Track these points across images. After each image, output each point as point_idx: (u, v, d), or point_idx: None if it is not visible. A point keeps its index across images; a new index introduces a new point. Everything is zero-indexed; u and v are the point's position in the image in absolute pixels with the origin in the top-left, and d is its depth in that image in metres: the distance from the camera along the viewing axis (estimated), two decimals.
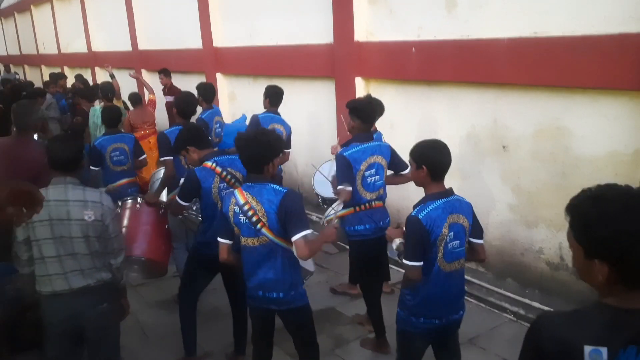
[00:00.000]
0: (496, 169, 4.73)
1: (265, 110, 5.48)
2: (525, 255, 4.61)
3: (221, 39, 8.50)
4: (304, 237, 2.77)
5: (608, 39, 3.73)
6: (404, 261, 2.70)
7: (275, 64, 7.22)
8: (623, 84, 3.72)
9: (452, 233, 2.68)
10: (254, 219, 2.82)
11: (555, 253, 4.36)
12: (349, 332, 4.31)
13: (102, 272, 2.88)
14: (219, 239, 3.01)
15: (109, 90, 7.15)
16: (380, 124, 5.72)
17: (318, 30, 6.34)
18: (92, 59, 14.22)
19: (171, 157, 4.53)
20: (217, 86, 8.60)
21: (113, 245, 2.90)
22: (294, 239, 2.78)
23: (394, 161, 3.94)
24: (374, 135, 4.13)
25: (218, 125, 6.00)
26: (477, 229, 2.86)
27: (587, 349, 1.32)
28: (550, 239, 4.35)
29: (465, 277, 4.85)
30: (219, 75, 8.68)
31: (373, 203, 3.84)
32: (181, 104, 4.86)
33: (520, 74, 4.30)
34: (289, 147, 5.47)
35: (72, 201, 2.76)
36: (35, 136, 4.26)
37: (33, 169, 3.55)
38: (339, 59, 6.01)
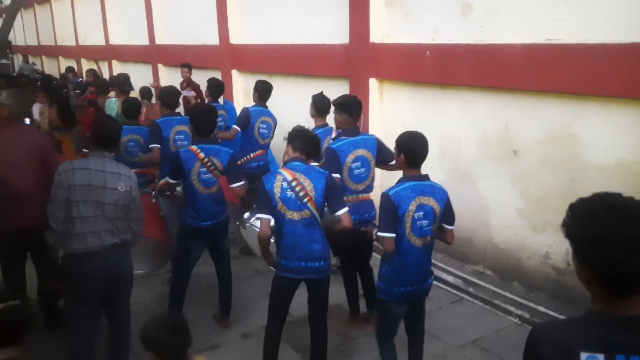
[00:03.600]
0: (506, 173, 4.78)
1: (254, 103, 5.86)
2: (532, 260, 4.65)
3: (237, 36, 8.60)
4: (347, 211, 3.37)
5: (621, 48, 3.77)
6: (379, 233, 3.12)
7: (290, 62, 7.30)
8: (635, 93, 3.75)
9: (421, 212, 3.07)
10: (302, 193, 3.23)
11: (562, 258, 4.40)
12: (363, 338, 4.35)
13: (126, 233, 3.30)
14: (261, 215, 3.30)
15: (125, 83, 7.29)
16: (392, 126, 5.79)
17: (334, 31, 6.41)
18: (110, 52, 14.40)
19: (158, 145, 5.06)
20: (232, 82, 8.73)
21: (136, 214, 3.33)
22: (341, 212, 3.33)
23: (381, 153, 4.14)
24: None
25: (221, 119, 6.30)
26: (449, 216, 3.23)
27: (584, 355, 1.36)
28: (557, 244, 4.39)
29: (469, 278, 4.98)
30: (234, 72, 8.79)
31: (360, 195, 4.06)
32: (164, 96, 5.41)
33: (533, 80, 4.34)
34: (272, 137, 5.92)
35: (109, 172, 3.19)
36: (27, 121, 4.68)
37: (44, 153, 3.89)
38: (354, 59, 6.08)
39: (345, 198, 3.93)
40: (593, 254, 1.36)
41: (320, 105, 4.80)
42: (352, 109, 4.11)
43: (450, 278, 5.07)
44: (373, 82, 5.93)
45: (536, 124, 4.47)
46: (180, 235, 4.16)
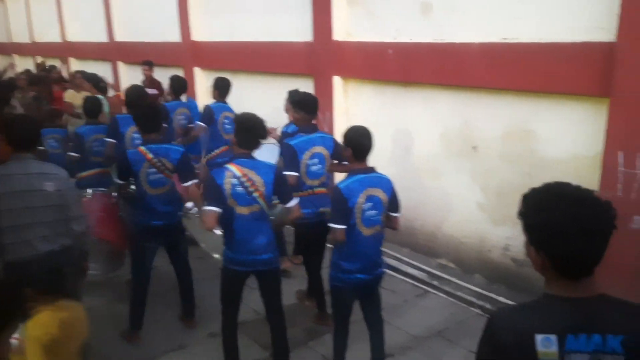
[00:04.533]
0: (467, 169, 4.91)
1: (215, 100, 5.93)
2: (493, 252, 4.81)
3: (200, 33, 8.51)
4: (297, 202, 3.53)
5: (574, 47, 3.93)
6: (330, 224, 3.25)
7: (254, 60, 7.28)
8: (586, 90, 3.93)
9: (370, 203, 3.22)
10: (251, 189, 3.30)
11: (521, 250, 4.54)
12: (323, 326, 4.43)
13: (66, 237, 3.13)
14: (209, 207, 3.32)
15: (99, 80, 7.23)
16: (356, 123, 5.84)
17: (297, 28, 6.43)
18: (67, 49, 13.98)
19: (113, 141, 5.05)
20: (195, 80, 8.64)
21: (73, 213, 3.14)
22: (292, 203, 3.48)
23: (337, 151, 4.20)
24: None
25: (183, 117, 6.32)
26: (395, 205, 3.39)
27: (539, 337, 1.45)
28: (516, 236, 4.55)
29: (433, 271, 5.10)
30: (197, 70, 8.70)
31: (315, 190, 4.15)
32: (128, 95, 5.38)
33: (491, 78, 4.48)
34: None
35: (33, 174, 3.02)
36: None
37: None
38: (318, 57, 6.12)
39: (300, 192, 4.08)
40: (550, 240, 1.45)
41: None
42: (309, 106, 4.23)
43: (415, 272, 5.18)
44: (337, 80, 5.98)
45: (494, 121, 4.62)
46: (133, 234, 4.14)
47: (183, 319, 4.42)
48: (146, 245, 4.10)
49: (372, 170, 3.32)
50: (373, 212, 3.24)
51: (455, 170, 5.01)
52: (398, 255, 5.42)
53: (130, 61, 10.88)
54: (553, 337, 1.45)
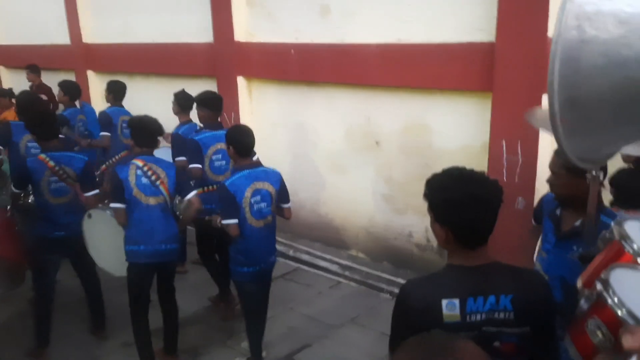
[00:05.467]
0: (371, 163, 5.18)
1: (110, 105, 5.84)
2: (398, 240, 5.11)
3: (92, 35, 8.09)
4: (195, 194, 3.68)
5: (459, 47, 4.30)
6: (222, 221, 3.40)
7: (152, 62, 7.07)
8: (472, 86, 4.32)
9: (258, 196, 3.43)
10: (154, 177, 3.43)
11: (423, 236, 4.91)
12: (238, 324, 4.45)
13: None
14: (116, 205, 3.40)
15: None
16: (263, 123, 5.93)
17: (197, 29, 6.35)
18: None
19: (1, 147, 4.96)
20: (88, 84, 8.20)
21: None
22: (191, 195, 3.62)
23: None
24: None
25: (82, 123, 6.10)
26: (284, 196, 3.62)
27: (444, 302, 1.65)
28: (418, 224, 4.88)
29: (344, 262, 5.32)
30: (90, 73, 8.26)
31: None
32: (20, 102, 5.16)
33: (388, 77, 4.77)
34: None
35: None
36: None
37: None
38: (220, 58, 6.10)
39: (205, 188, 4.26)
40: (451, 214, 1.66)
41: (182, 101, 4.94)
42: (213, 104, 4.41)
43: (327, 265, 5.36)
44: (241, 81, 6.01)
45: (394, 117, 4.92)
46: (33, 247, 3.93)
47: (94, 331, 4.26)
48: (48, 258, 3.91)
49: (257, 165, 3.56)
50: (262, 204, 3.46)
51: (360, 164, 5.26)
52: (310, 250, 5.58)
53: (13, 65, 10.06)
54: (456, 301, 1.65)
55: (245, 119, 6.08)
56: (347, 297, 4.86)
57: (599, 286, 1.29)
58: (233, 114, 5.95)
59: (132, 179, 3.41)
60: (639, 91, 1.02)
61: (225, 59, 6.03)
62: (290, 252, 5.59)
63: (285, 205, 3.66)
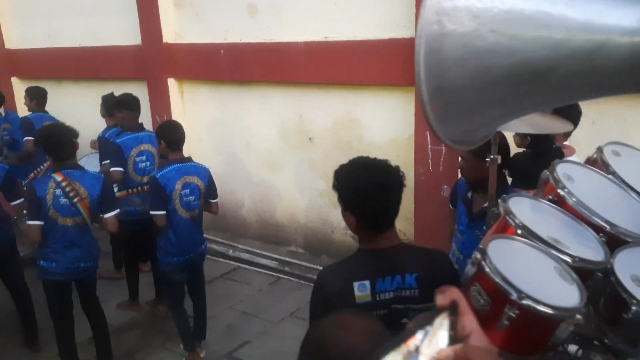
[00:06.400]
0: (305, 159, 5.27)
1: (31, 111, 5.75)
2: (335, 233, 5.23)
3: (15, 40, 7.76)
4: (115, 215, 3.55)
5: (382, 43, 4.45)
6: (151, 211, 3.54)
7: (80, 66, 6.86)
8: (395, 81, 4.48)
9: (187, 190, 3.56)
10: (72, 194, 3.31)
11: None
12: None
13: None
14: (33, 222, 3.29)
15: None
16: (196, 124, 5.90)
17: (125, 31, 6.22)
18: None
19: None
20: (13, 91, 7.87)
21: None
22: (108, 215, 3.50)
23: None
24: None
25: (7, 132, 5.92)
26: (212, 191, 3.77)
27: (355, 284, 1.75)
28: None
29: (284, 258, 5.39)
30: (14, 80, 7.92)
31: (145, 187, 4.26)
32: None
33: (317, 74, 4.87)
34: None
35: None
36: None
37: None
38: (149, 60, 6.01)
39: (129, 190, 4.27)
40: (359, 201, 1.76)
41: (109, 105, 4.86)
42: (131, 105, 4.40)
43: (267, 262, 5.41)
44: (172, 82, 5.94)
45: (325, 113, 5.02)
46: None
47: (27, 343, 4.13)
48: None
49: (188, 160, 3.66)
50: (191, 197, 3.59)
51: (296, 161, 5.34)
52: (250, 249, 5.61)
53: None
54: (366, 283, 1.75)
55: (178, 120, 5.99)
56: (287, 292, 4.93)
57: (478, 255, 1.42)
58: (165, 115, 5.88)
59: (49, 198, 3.26)
60: (495, 79, 1.14)
61: (155, 61, 5.95)
62: (230, 252, 5.60)
63: (213, 201, 3.81)
